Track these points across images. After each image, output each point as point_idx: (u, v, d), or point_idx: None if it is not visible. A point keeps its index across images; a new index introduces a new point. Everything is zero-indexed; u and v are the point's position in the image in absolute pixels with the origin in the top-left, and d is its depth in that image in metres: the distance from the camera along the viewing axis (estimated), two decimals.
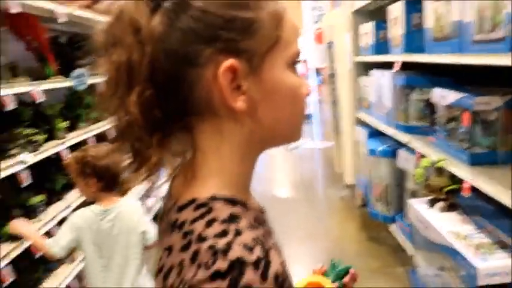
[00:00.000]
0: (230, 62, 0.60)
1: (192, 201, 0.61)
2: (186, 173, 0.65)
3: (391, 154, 3.28)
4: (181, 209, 0.61)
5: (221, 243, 0.54)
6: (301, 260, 3.38)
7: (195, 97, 0.61)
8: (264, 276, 0.53)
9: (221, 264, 0.52)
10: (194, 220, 0.58)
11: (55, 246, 2.01)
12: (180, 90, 0.61)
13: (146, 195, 4.54)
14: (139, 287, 2.12)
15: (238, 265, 0.52)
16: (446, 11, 2.25)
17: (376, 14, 3.74)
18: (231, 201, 0.62)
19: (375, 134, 3.70)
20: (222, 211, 0.59)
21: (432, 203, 2.35)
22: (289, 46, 0.65)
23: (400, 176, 3.26)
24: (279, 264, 0.56)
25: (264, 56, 0.63)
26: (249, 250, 0.54)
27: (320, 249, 3.81)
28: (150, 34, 0.59)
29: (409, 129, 2.94)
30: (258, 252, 0.54)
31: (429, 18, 2.45)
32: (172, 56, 0.60)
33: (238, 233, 0.56)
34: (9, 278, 2.07)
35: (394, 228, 3.42)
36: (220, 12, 0.60)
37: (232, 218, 0.58)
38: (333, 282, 0.98)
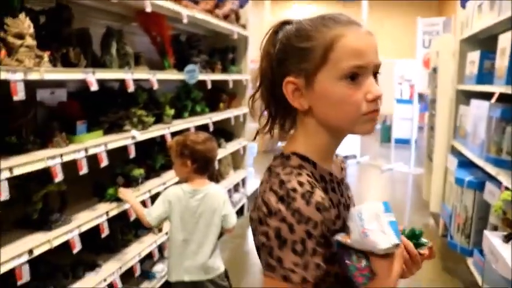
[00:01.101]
0: (289, 78, 0.94)
1: (282, 154, 0.98)
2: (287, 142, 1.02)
3: (479, 186, 3.20)
4: (274, 158, 0.98)
5: (286, 178, 0.88)
6: None
7: (283, 98, 0.97)
8: (308, 203, 0.84)
9: (282, 191, 0.86)
10: (277, 164, 0.94)
11: (150, 215, 2.34)
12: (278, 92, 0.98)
13: (234, 190, 4.87)
14: (211, 265, 2.36)
15: (292, 193, 0.85)
16: None
17: (487, 43, 3.66)
18: (304, 158, 0.96)
19: (467, 164, 3.62)
20: (295, 161, 0.95)
21: (508, 237, 2.30)
22: (338, 64, 0.90)
23: (484, 209, 3.17)
24: (320, 198, 0.86)
25: (315, 73, 0.92)
26: (301, 185, 0.86)
27: None
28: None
29: (499, 162, 2.87)
30: (307, 187, 0.86)
31: None
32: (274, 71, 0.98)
33: (299, 174, 0.89)
34: (106, 231, 2.43)
35: (471, 262, 3.32)
36: (289, 43, 0.95)
37: (299, 167, 0.93)
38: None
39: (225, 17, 4.20)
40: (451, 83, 4.28)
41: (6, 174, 1.72)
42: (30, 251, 1.90)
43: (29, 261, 1.87)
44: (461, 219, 3.42)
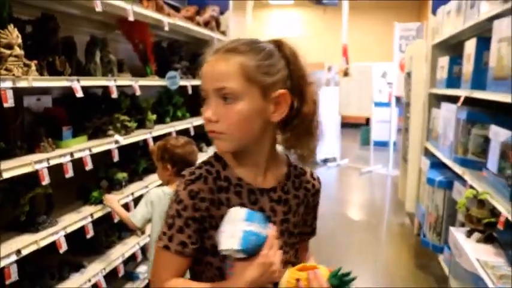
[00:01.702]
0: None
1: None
2: None
3: (448, 185, 3.37)
4: None
5: (191, 169, 1.12)
6: None
7: None
8: (184, 189, 1.07)
9: (183, 178, 1.10)
10: None
11: (135, 217, 2.44)
12: None
13: None
14: None
15: (183, 180, 1.09)
16: (507, 52, 2.38)
17: (456, 49, 3.84)
18: (218, 158, 1.13)
19: (438, 165, 3.79)
20: (209, 159, 1.15)
21: (470, 233, 2.46)
22: None
23: (453, 207, 3.34)
24: (197, 188, 1.06)
25: None
26: (190, 175, 1.09)
27: (368, 270, 3.94)
28: None
29: (465, 162, 3.04)
30: (191, 177, 1.08)
31: (493, 57, 2.58)
32: None
33: (198, 167, 1.12)
34: (91, 232, 2.52)
35: (441, 258, 3.49)
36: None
37: (206, 163, 1.13)
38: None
39: (206, 24, 4.32)
40: (424, 86, 4.46)
41: None
42: (18, 251, 1.98)
43: (17, 262, 1.96)
44: (432, 218, 3.59)
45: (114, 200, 2.65)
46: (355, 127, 11.49)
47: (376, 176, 7.64)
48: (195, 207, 1.06)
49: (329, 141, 8.12)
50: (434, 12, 4.43)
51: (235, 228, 0.99)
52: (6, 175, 1.87)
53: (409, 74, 5.07)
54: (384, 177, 7.55)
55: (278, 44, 1.10)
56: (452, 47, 4.03)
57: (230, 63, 1.03)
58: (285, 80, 1.08)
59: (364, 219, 5.53)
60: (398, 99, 7.94)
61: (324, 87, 9.91)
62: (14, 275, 1.94)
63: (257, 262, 1.00)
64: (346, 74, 8.27)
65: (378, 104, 8.53)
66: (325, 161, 8.45)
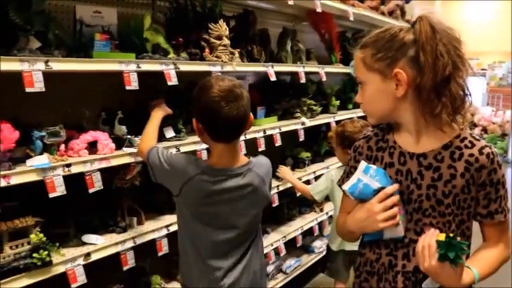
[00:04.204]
0: None
1: None
2: None
3: None
4: None
5: None
6: None
7: None
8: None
9: None
10: None
11: (314, 190, 2.66)
12: None
13: None
14: None
15: None
16: None
17: None
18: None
19: None
20: None
21: None
22: None
23: None
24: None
25: None
26: (364, 134, 1.43)
27: None
28: None
29: None
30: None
31: None
32: None
33: None
34: (276, 202, 2.83)
35: None
36: None
37: (379, 128, 1.39)
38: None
39: (390, 13, 4.31)
40: None
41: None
42: None
43: None
44: None
45: (287, 172, 2.88)
46: None
47: None
48: (355, 159, 1.38)
49: None
50: None
51: (355, 176, 1.26)
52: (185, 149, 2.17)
53: None
54: None
55: (415, 22, 1.21)
56: None
57: (357, 57, 1.28)
58: (410, 56, 1.19)
59: None
60: None
61: None
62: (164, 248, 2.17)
63: (363, 206, 1.26)
64: None
65: None
66: None
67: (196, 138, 2.10)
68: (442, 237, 1.13)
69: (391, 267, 1.28)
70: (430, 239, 1.15)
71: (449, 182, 1.22)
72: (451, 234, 1.12)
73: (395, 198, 1.22)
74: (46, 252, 1.65)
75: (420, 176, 1.24)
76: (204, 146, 2.18)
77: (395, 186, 1.23)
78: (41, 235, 1.67)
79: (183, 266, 1.65)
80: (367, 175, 1.24)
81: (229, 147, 1.56)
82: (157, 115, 1.97)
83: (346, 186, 1.26)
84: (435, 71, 1.15)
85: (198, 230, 1.56)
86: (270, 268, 2.92)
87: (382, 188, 1.22)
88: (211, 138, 1.54)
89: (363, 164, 1.26)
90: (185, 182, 1.52)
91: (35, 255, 1.62)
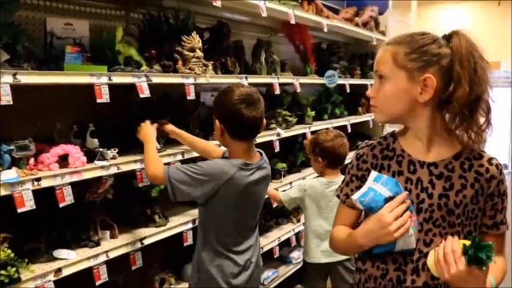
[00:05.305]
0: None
1: None
2: None
3: None
4: None
5: None
6: None
7: None
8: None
9: None
10: None
11: (285, 194, 2.68)
12: None
13: None
14: None
15: None
16: None
17: None
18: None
19: None
20: None
21: None
22: None
23: None
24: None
25: None
26: (365, 143, 1.41)
27: None
28: None
29: None
30: None
31: None
32: None
33: None
34: None
35: None
36: None
37: (382, 137, 1.38)
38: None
39: (364, 25, 4.39)
40: None
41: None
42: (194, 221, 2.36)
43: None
44: None
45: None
46: None
47: None
48: (358, 167, 1.35)
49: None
50: None
51: (365, 186, 1.22)
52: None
53: None
54: None
55: (451, 34, 1.23)
56: None
57: (387, 51, 1.25)
58: (442, 66, 1.19)
59: None
60: None
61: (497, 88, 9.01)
62: (189, 240, 2.31)
63: (373, 217, 1.20)
64: None
65: None
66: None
67: (172, 150, 2.24)
68: (461, 243, 1.12)
69: (400, 283, 1.23)
70: (453, 245, 1.12)
71: (460, 192, 1.22)
72: (475, 235, 1.14)
73: (406, 204, 1.19)
74: (14, 269, 1.60)
75: (431, 185, 1.23)
76: (178, 157, 2.20)
77: (405, 193, 1.20)
78: (9, 251, 1.63)
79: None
80: (378, 183, 1.21)
81: (249, 145, 1.80)
82: (151, 138, 1.98)
83: (356, 195, 1.21)
84: (471, 85, 1.15)
85: (235, 218, 1.79)
86: None
87: (394, 197, 1.19)
88: (232, 137, 1.75)
89: (373, 174, 1.23)
90: (224, 183, 1.70)
91: (2, 272, 1.58)
